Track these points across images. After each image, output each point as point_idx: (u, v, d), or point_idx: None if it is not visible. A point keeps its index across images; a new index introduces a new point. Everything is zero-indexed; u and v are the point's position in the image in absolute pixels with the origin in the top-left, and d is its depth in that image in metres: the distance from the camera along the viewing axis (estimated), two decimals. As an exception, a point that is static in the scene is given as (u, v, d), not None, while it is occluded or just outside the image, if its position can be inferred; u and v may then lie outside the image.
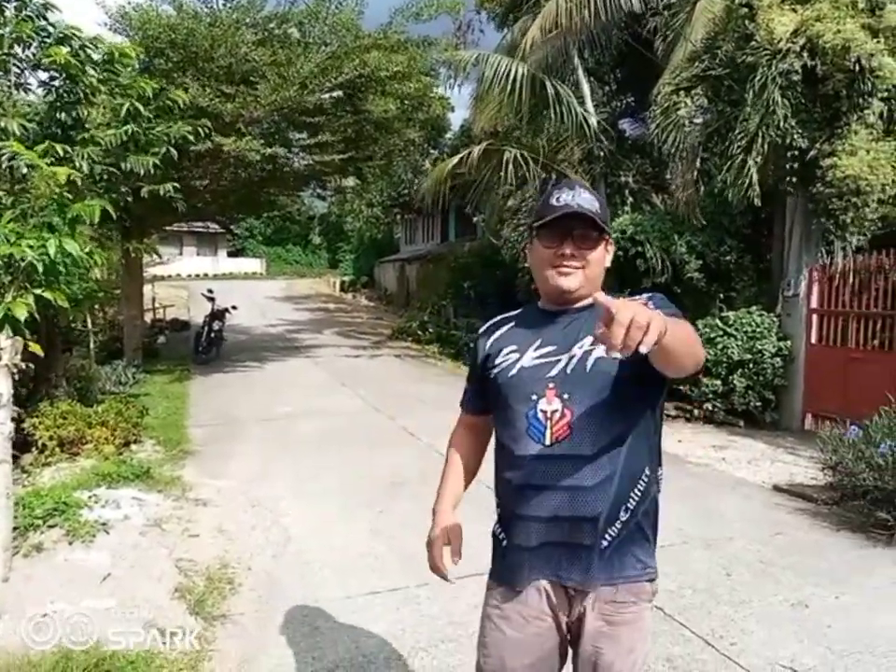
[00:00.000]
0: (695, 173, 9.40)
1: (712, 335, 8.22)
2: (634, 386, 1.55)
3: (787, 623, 3.41)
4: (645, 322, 1.17)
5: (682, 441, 7.52)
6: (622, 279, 9.39)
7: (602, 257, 1.65)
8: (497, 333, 1.76)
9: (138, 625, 3.10)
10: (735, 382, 8.02)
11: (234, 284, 30.47)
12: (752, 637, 3.27)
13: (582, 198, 1.59)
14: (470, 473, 1.89)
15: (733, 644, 3.19)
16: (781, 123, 7.35)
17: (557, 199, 1.60)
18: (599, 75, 12.40)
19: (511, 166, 10.74)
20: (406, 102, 11.23)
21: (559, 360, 1.59)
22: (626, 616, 1.59)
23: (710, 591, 3.76)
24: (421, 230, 29.07)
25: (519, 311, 1.82)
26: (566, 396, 1.56)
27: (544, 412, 1.57)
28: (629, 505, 1.57)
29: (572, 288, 1.61)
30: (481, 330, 1.83)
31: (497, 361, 1.69)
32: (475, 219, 17.45)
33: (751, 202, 7.69)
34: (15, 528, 3.70)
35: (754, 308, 8.31)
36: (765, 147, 7.47)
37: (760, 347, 7.96)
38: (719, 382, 8.13)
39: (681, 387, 8.51)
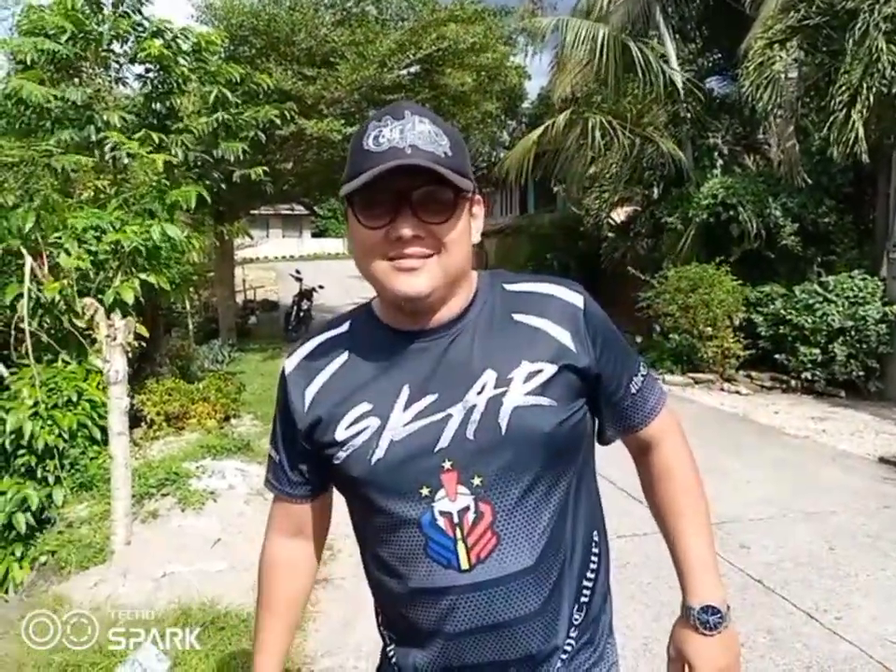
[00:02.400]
0: (793, 130, 8.94)
1: (810, 301, 7.86)
2: (573, 433, 1.04)
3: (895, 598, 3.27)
4: None
5: (779, 412, 7.26)
6: (713, 246, 9.09)
7: (467, 229, 1.01)
8: (324, 376, 1.06)
9: (248, 587, 3.29)
10: (835, 350, 7.64)
11: (319, 264, 31.21)
12: (859, 611, 3.15)
13: (418, 132, 0.93)
14: (299, 609, 1.24)
15: (838, 618, 3.09)
16: (888, 72, 6.88)
17: (376, 139, 0.94)
18: (684, 31, 11.90)
19: (594, 134, 10.49)
20: (483, 74, 11.11)
21: (448, 418, 0.98)
22: None
23: (812, 564, 3.64)
24: (499, 202, 28.79)
25: (343, 325, 1.12)
26: (476, 481, 0.97)
27: (447, 515, 0.97)
28: (583, 598, 1.08)
29: (421, 293, 0.96)
30: (288, 367, 1.11)
31: (342, 436, 1.01)
32: (555, 189, 17.15)
33: (857, 158, 7.24)
34: (133, 496, 3.98)
35: (856, 272, 7.88)
36: (870, 98, 7.00)
37: (863, 313, 7.54)
38: (818, 350, 7.77)
39: (777, 356, 8.19)
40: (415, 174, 0.92)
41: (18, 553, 4.19)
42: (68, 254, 4.71)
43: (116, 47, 5.78)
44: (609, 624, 1.17)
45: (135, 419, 6.24)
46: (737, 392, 8.18)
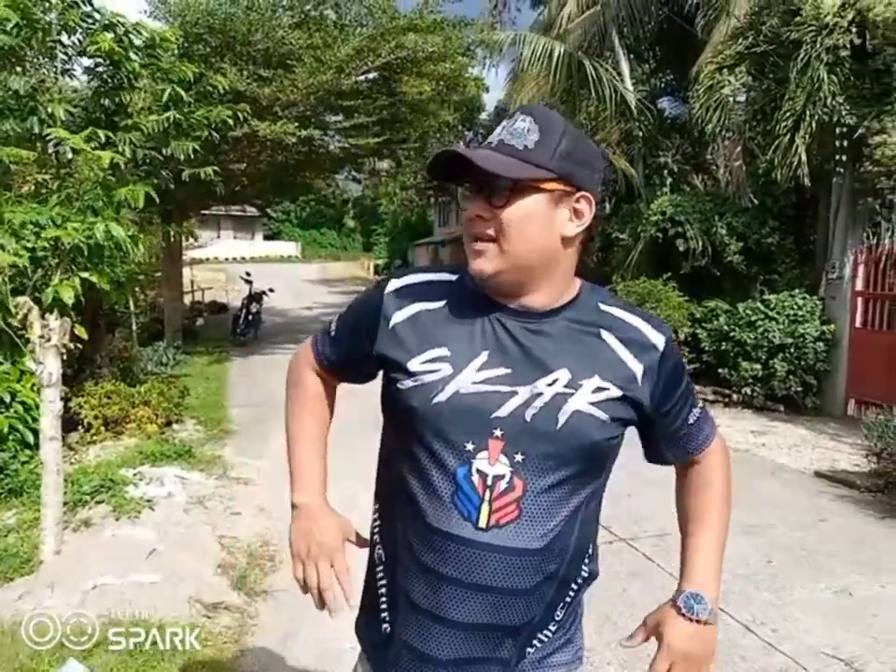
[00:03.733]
0: (740, 152, 9.21)
1: (753, 318, 8.08)
2: (610, 451, 1.14)
3: (830, 611, 3.35)
4: None
5: (720, 426, 7.34)
6: (661, 262, 9.28)
7: (539, 213, 1.05)
8: (415, 309, 1.15)
9: (183, 599, 3.18)
10: (775, 366, 7.87)
11: (271, 267, 30.80)
12: (794, 624, 3.23)
13: (512, 129, 1.06)
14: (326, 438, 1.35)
15: (774, 631, 3.15)
16: (828, 101, 7.15)
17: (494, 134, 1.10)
18: (638, 52, 12.18)
19: (547, 147, 10.58)
20: (441, 83, 11.15)
21: (513, 394, 1.06)
22: None
23: (750, 577, 3.71)
24: (455, 212, 28.94)
25: (453, 276, 1.19)
26: (518, 457, 1.05)
27: (483, 475, 1.05)
28: (567, 599, 1.17)
29: (484, 272, 1.07)
30: (389, 287, 1.18)
31: (414, 368, 1.09)
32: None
33: (798, 182, 7.50)
34: (65, 504, 3.82)
35: (797, 291, 8.13)
36: (812, 125, 7.26)
37: (802, 331, 7.79)
38: (759, 366, 7.99)
39: (720, 371, 8.39)
40: (485, 161, 1.03)
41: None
42: (3, 249, 4.52)
43: (64, 38, 5.58)
44: (580, 619, 1.27)
45: (72, 422, 6.02)
46: (682, 406, 8.33)
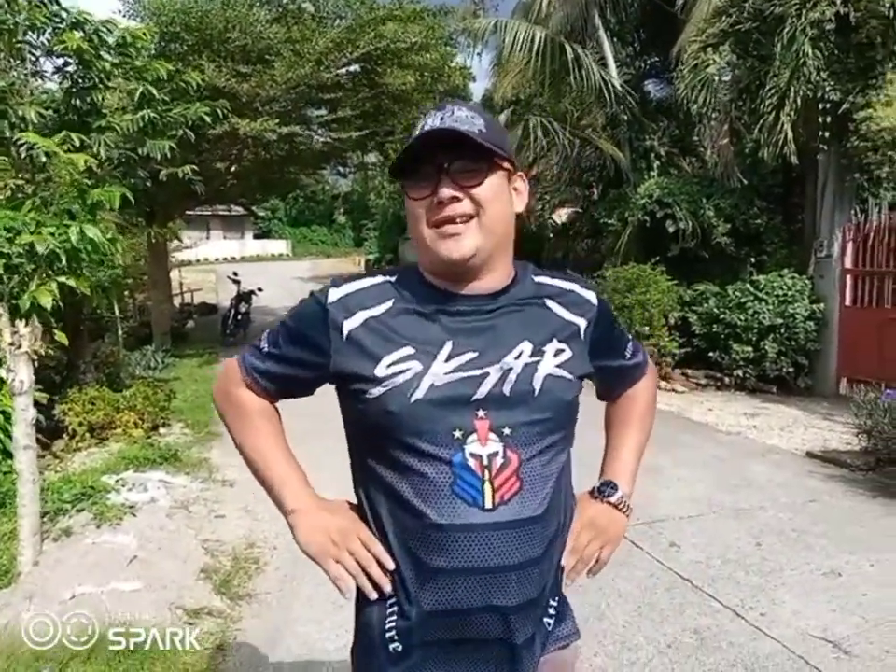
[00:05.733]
0: (726, 131, 9.15)
1: (742, 300, 8.04)
2: (577, 402, 1.21)
3: (819, 593, 3.32)
4: (594, 553, 1.26)
5: (713, 409, 7.40)
6: (650, 247, 9.23)
7: (505, 195, 1.14)
8: (365, 315, 1.13)
9: (164, 606, 3.14)
10: (766, 347, 7.84)
11: (261, 265, 30.69)
12: (783, 607, 3.19)
13: (456, 116, 1.09)
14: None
15: (763, 615, 3.12)
16: (813, 76, 7.09)
17: (421, 128, 1.11)
18: (622, 35, 12.07)
19: (535, 134, 10.53)
20: (425, 73, 11.05)
21: (486, 375, 1.09)
22: None
23: (740, 561, 3.68)
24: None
25: (391, 277, 1.19)
26: (506, 431, 1.08)
27: (477, 458, 1.07)
28: (562, 564, 1.23)
29: (465, 255, 1.08)
30: (330, 297, 1.15)
31: (382, 373, 1.08)
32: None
33: (786, 160, 7.44)
34: (45, 513, 3.77)
35: (785, 271, 8.10)
36: (797, 101, 7.19)
37: (792, 311, 7.76)
38: (749, 348, 7.96)
39: (711, 354, 8.36)
40: (451, 149, 1.07)
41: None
42: (-23, 257, 4.45)
43: (31, 38, 5.49)
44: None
45: (57, 430, 5.96)
46: (673, 390, 8.32)
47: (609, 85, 10.38)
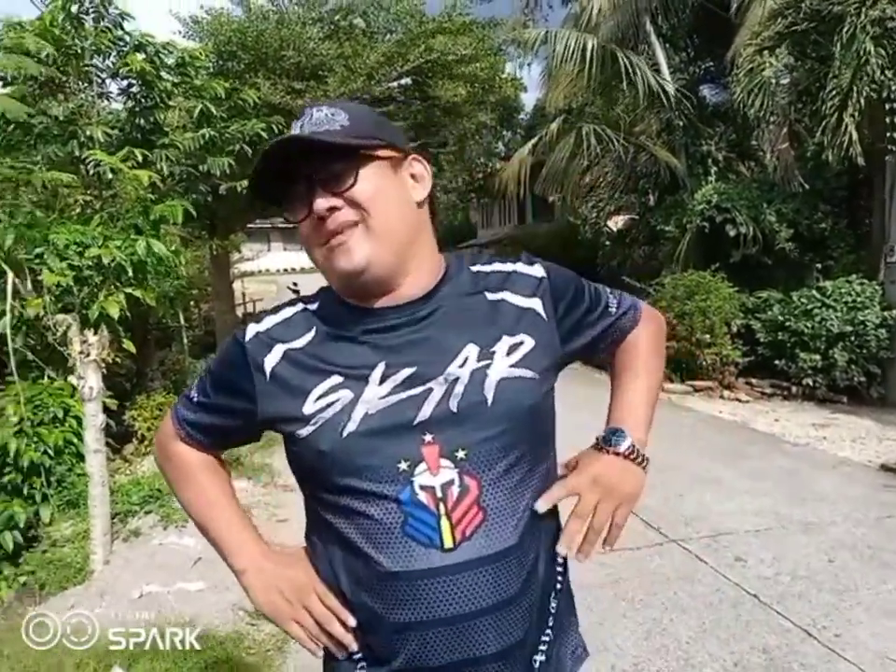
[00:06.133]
0: (786, 135, 8.90)
1: (809, 307, 7.77)
2: (549, 405, 1.05)
3: (898, 613, 3.16)
4: (607, 518, 1.04)
5: (779, 419, 7.16)
6: (710, 253, 9.02)
7: (394, 189, 0.99)
8: (285, 348, 1.01)
9: (227, 607, 3.19)
10: (835, 356, 7.54)
11: (319, 276, 31.15)
12: (860, 628, 3.04)
13: (314, 120, 0.97)
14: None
15: (837, 636, 2.98)
16: (877, 75, 6.84)
17: (277, 144, 0.97)
18: (674, 41, 11.90)
19: (589, 141, 10.46)
20: (476, 85, 11.10)
21: (429, 392, 0.94)
22: None
23: (811, 578, 3.53)
24: (498, 213, 28.85)
25: (310, 304, 1.07)
26: (460, 454, 0.92)
27: (429, 490, 0.91)
28: (557, 585, 1.06)
29: (357, 266, 0.95)
30: (246, 335, 1.04)
31: (310, 410, 0.96)
32: (551, 199, 17.14)
33: (851, 162, 7.18)
34: (115, 514, 3.91)
35: (854, 277, 7.79)
36: (861, 102, 6.95)
37: (862, 318, 7.45)
38: (818, 356, 7.67)
39: (777, 363, 8.10)
40: (312, 157, 0.94)
41: (6, 573, 4.11)
42: (51, 270, 4.65)
43: (98, 61, 5.73)
44: (574, 611, 1.15)
45: (127, 434, 6.16)
46: (737, 399, 8.08)
47: (664, 91, 10.23)
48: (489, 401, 0.94)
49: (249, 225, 16.54)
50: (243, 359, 1.02)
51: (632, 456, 1.07)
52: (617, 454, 1.07)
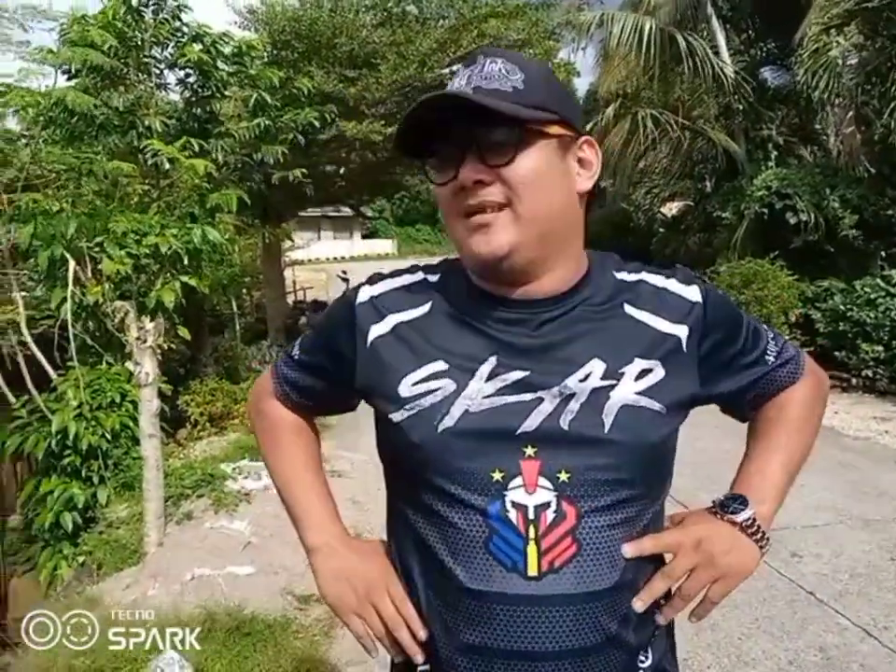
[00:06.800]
0: (852, 118, 8.53)
1: (872, 296, 7.46)
2: (671, 448, 0.93)
3: (965, 616, 3.02)
4: (700, 588, 0.90)
5: (838, 412, 6.90)
6: (768, 240, 8.74)
7: (553, 173, 0.87)
8: (395, 320, 0.94)
9: (276, 591, 3.25)
10: (899, 347, 7.23)
11: (368, 265, 31.34)
12: (923, 629, 2.93)
13: (485, 73, 0.85)
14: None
15: (898, 636, 2.87)
16: (954, 53, 6.48)
17: (448, 90, 0.88)
18: (735, 21, 11.50)
19: (645, 126, 10.23)
20: (528, 70, 10.95)
21: (539, 400, 0.85)
22: None
23: (871, 576, 3.40)
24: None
25: (430, 275, 0.99)
26: (562, 476, 0.83)
27: (521, 508, 0.83)
28: (653, 639, 0.93)
29: (496, 252, 0.85)
30: (359, 297, 0.97)
31: (406, 392, 0.89)
32: (603, 185, 16.86)
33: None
34: (169, 498, 4.01)
35: (922, 265, 7.44)
36: (935, 82, 6.61)
37: (929, 308, 7.12)
38: (880, 347, 7.36)
39: (837, 354, 7.81)
40: (476, 117, 0.82)
41: (66, 552, 4.29)
42: (110, 258, 4.79)
43: (156, 52, 5.87)
44: (673, 651, 1.01)
45: (180, 419, 6.34)
46: (794, 392, 7.82)
47: (723, 74, 9.92)
48: (605, 427, 0.84)
49: (300, 213, 16.76)
50: (350, 321, 0.95)
51: (749, 530, 0.93)
52: (733, 523, 0.93)
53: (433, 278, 0.98)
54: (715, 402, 1.01)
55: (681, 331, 0.92)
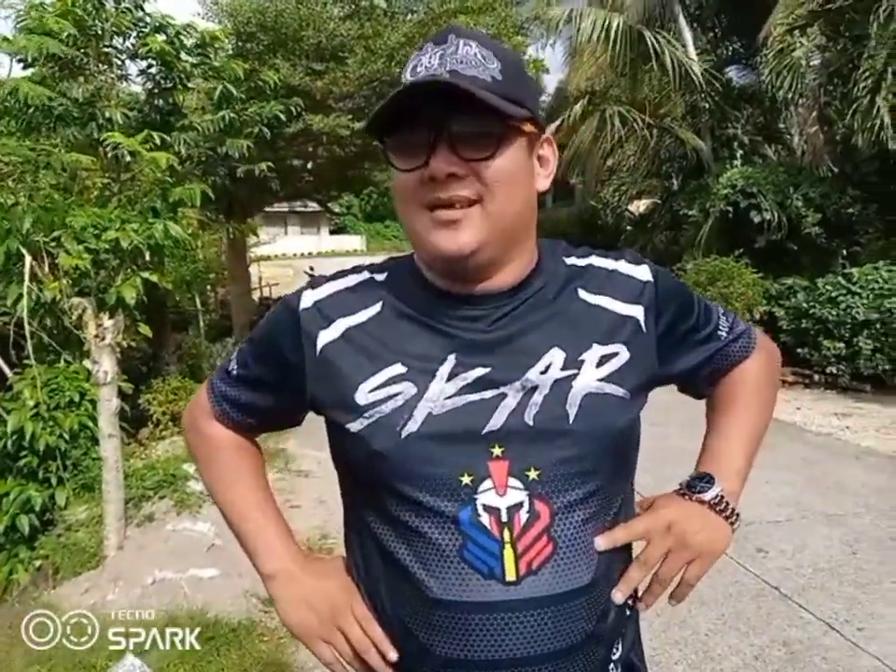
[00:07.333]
0: (815, 118, 8.69)
1: (834, 293, 7.60)
2: (636, 431, 0.92)
3: (924, 608, 3.08)
4: (676, 571, 0.89)
5: (801, 408, 7.03)
6: (733, 238, 8.86)
7: (524, 172, 0.84)
8: (345, 324, 0.89)
9: (240, 593, 3.19)
10: (860, 344, 7.37)
11: (336, 261, 31.15)
12: (883, 621, 2.97)
13: (461, 56, 0.80)
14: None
15: (860, 629, 2.91)
16: (914, 56, 6.62)
17: (414, 69, 0.82)
18: (702, 20, 11.68)
19: (613, 124, 10.30)
20: (497, 66, 10.93)
21: (502, 397, 0.83)
22: None
23: (833, 570, 3.45)
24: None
25: (378, 274, 0.95)
26: (531, 474, 0.81)
27: (494, 512, 0.80)
28: (623, 630, 0.92)
29: (464, 251, 0.81)
30: (302, 302, 0.92)
31: (364, 400, 0.84)
32: (571, 182, 16.95)
33: (882, 146, 6.99)
34: (129, 499, 3.91)
35: (881, 263, 7.58)
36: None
37: (889, 306, 7.25)
38: (842, 344, 7.51)
39: (800, 351, 7.95)
40: (453, 103, 0.77)
41: (22, 556, 4.15)
42: (68, 253, 4.65)
43: (117, 42, 5.71)
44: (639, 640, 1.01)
45: (142, 418, 6.19)
46: (758, 388, 7.95)
47: (691, 72, 10.03)
48: (570, 418, 0.82)
49: (266, 208, 16.55)
50: (294, 329, 0.90)
51: (718, 508, 0.93)
52: (701, 502, 0.93)
53: (381, 277, 0.94)
54: (673, 382, 1.03)
55: (637, 312, 0.91)
